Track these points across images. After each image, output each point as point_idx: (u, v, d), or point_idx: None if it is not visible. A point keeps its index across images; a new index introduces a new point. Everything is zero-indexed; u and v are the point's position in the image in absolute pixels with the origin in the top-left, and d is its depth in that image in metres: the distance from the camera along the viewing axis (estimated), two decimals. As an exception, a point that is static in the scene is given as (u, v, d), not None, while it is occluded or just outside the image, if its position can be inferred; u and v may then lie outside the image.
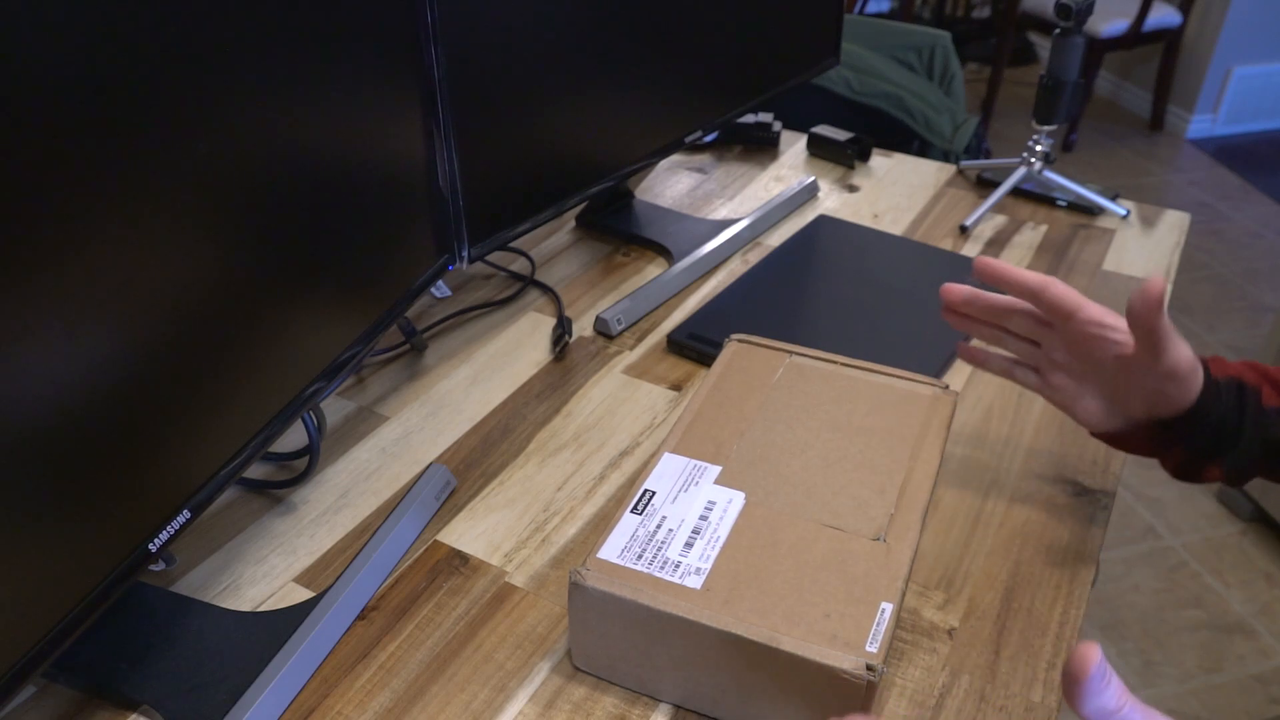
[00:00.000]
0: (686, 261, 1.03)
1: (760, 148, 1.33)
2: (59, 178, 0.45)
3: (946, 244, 1.10)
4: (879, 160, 1.30)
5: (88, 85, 0.45)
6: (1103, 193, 1.17)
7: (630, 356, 0.92)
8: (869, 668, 0.52)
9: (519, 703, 0.60)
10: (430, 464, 0.77)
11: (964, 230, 1.12)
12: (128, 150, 0.48)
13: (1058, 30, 1.10)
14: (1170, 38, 3.46)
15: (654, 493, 0.63)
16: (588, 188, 0.97)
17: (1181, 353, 0.62)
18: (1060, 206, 1.18)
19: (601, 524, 0.73)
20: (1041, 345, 0.70)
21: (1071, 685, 0.43)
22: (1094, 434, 0.70)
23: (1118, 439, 0.70)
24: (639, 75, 0.97)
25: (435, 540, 0.71)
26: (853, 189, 1.23)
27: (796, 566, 0.58)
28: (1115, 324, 0.65)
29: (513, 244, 1.07)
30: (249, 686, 0.58)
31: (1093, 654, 0.42)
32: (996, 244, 1.10)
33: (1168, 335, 0.61)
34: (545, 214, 0.92)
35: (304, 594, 0.67)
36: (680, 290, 1.02)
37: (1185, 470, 0.68)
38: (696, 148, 1.32)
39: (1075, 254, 1.09)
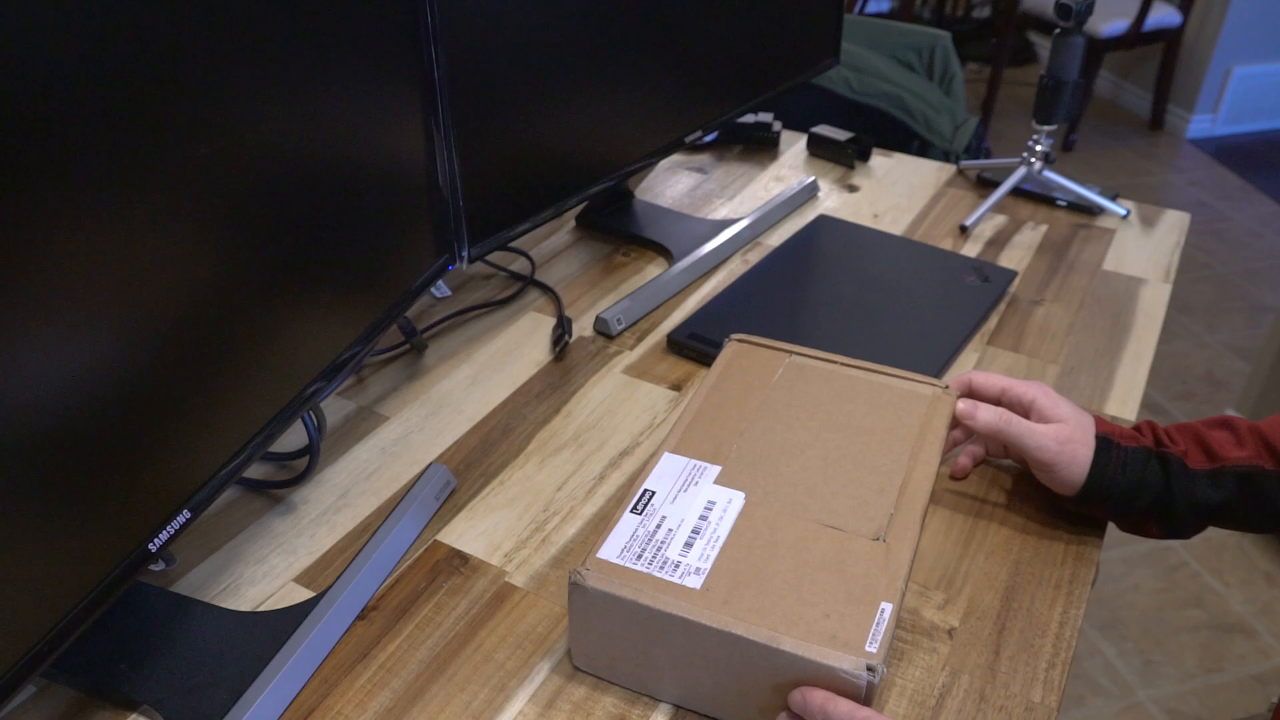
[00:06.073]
0: (686, 261, 1.03)
1: (760, 148, 1.33)
2: (61, 179, 0.45)
3: (946, 244, 1.10)
4: (879, 160, 1.30)
5: (89, 86, 0.45)
6: (1103, 193, 1.17)
7: (630, 356, 0.92)
8: (869, 668, 0.52)
9: (519, 703, 0.60)
10: (430, 464, 0.77)
11: (964, 230, 1.12)
12: (128, 151, 0.48)
13: (1058, 30, 1.10)
14: (1170, 38, 3.46)
15: (654, 493, 0.63)
16: (588, 188, 0.96)
17: (1038, 448, 0.68)
18: (1060, 206, 1.18)
19: (601, 524, 0.73)
20: None
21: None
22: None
23: (1073, 510, 0.73)
24: (639, 75, 0.97)
25: (435, 540, 0.71)
26: (853, 189, 1.23)
27: (796, 566, 0.58)
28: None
29: (513, 244, 1.07)
30: (249, 686, 0.58)
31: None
32: (996, 244, 1.10)
33: (1012, 441, 0.69)
34: (545, 214, 0.92)
35: (304, 594, 0.67)
36: (680, 290, 1.02)
37: (1130, 529, 0.72)
38: (696, 148, 1.32)
39: (1075, 254, 1.09)
